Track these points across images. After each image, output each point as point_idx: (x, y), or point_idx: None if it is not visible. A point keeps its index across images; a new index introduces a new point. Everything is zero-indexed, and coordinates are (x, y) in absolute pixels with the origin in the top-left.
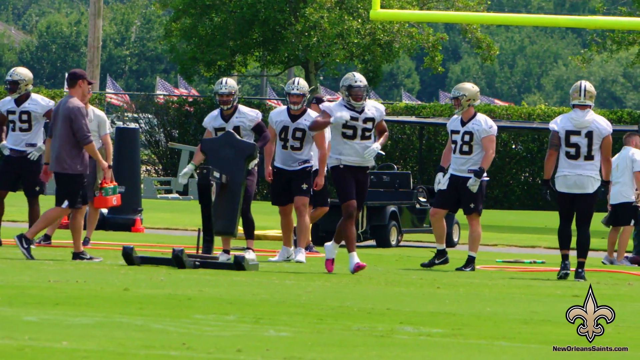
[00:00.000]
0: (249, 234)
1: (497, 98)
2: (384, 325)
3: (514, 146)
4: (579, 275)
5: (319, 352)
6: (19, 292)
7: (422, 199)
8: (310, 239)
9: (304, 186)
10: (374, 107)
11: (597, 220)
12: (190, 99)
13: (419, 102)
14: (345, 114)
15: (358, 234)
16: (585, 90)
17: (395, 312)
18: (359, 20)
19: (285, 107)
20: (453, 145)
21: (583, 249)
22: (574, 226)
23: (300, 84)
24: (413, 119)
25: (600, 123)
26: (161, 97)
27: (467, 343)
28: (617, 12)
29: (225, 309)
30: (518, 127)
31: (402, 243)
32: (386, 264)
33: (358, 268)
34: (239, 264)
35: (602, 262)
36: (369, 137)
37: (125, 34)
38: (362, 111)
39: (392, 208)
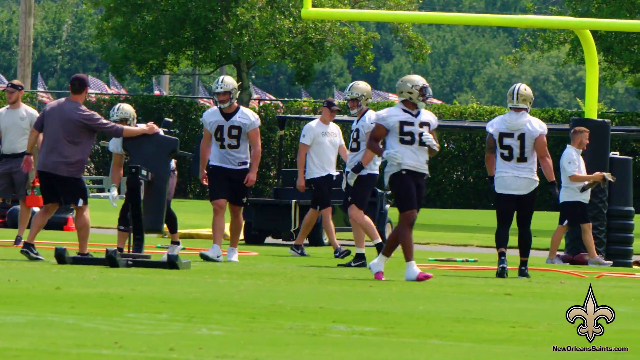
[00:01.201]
0: (173, 228)
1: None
2: (316, 324)
3: (445, 145)
4: (522, 272)
5: (252, 351)
6: None
7: None
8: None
9: (244, 199)
10: (429, 113)
11: (537, 219)
12: (123, 98)
13: None
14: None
15: (290, 232)
16: (517, 93)
17: (328, 310)
18: (291, 19)
19: (217, 106)
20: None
21: (525, 248)
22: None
23: (225, 81)
24: (345, 117)
25: (533, 124)
26: (93, 95)
27: (400, 341)
28: (548, 12)
29: (158, 307)
30: (450, 125)
31: None
32: (319, 263)
33: (424, 277)
34: (172, 263)
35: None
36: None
37: (56, 33)
38: (417, 115)
39: None
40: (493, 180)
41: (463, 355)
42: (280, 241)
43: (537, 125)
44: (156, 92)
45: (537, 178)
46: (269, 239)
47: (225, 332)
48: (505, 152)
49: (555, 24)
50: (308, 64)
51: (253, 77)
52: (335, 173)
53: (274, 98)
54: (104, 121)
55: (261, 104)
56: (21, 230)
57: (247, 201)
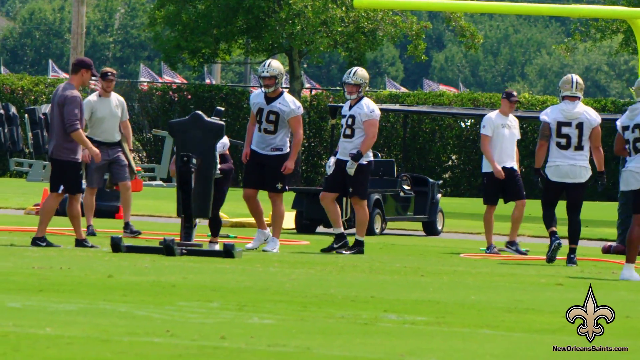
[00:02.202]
0: (215, 231)
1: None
2: (367, 313)
3: None
4: (570, 260)
5: (303, 340)
6: (2, 278)
7: (406, 187)
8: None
9: (279, 186)
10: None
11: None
12: (175, 87)
13: (403, 90)
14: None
15: (342, 222)
16: (576, 82)
17: (379, 300)
18: (343, 8)
19: (262, 90)
20: (342, 130)
21: (575, 236)
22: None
23: (272, 65)
24: (397, 107)
25: (590, 114)
26: (145, 84)
27: (451, 331)
28: (601, 1)
29: (209, 296)
30: None
31: (386, 231)
32: (370, 252)
33: None
34: (228, 252)
35: None
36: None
37: (108, 21)
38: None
39: (376, 196)
40: (537, 171)
41: (514, 345)
42: (331, 230)
43: (594, 115)
44: (207, 81)
45: (589, 167)
46: (320, 228)
47: (277, 321)
48: (563, 141)
49: (608, 14)
50: (360, 53)
51: (305, 66)
52: (516, 166)
53: (319, 87)
54: (74, 112)
55: (313, 92)
56: (127, 215)
57: (283, 187)
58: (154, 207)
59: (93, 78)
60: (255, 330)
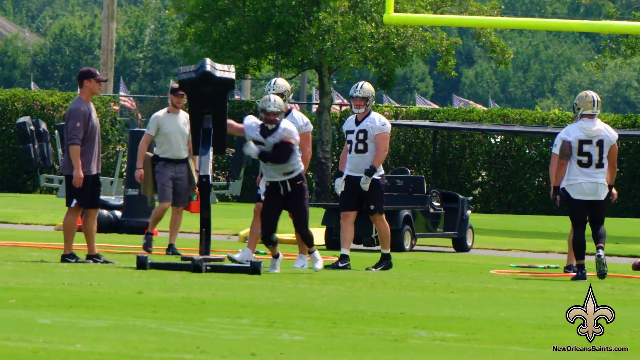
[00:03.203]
0: (309, 243)
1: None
2: (397, 330)
3: (527, 151)
4: (599, 255)
5: (333, 356)
6: (33, 294)
7: (435, 203)
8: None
9: None
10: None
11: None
12: None
13: (433, 106)
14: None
15: (371, 238)
16: (597, 101)
17: (409, 316)
18: (373, 24)
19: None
20: (348, 146)
21: (601, 238)
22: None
23: (277, 83)
24: (427, 123)
25: (610, 131)
26: None
27: (481, 348)
28: (631, 17)
29: (239, 312)
30: (532, 131)
31: (415, 247)
32: (400, 268)
33: None
34: (255, 269)
35: None
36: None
37: (139, 37)
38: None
39: (405, 212)
40: (557, 190)
41: None
42: (361, 247)
43: (613, 132)
44: (237, 97)
45: (607, 184)
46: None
47: (307, 337)
48: (584, 159)
49: (638, 30)
50: (390, 69)
51: (334, 82)
52: None
53: (348, 104)
54: (76, 126)
55: (342, 109)
56: (173, 237)
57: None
58: (182, 223)
59: (122, 94)
60: (285, 346)
